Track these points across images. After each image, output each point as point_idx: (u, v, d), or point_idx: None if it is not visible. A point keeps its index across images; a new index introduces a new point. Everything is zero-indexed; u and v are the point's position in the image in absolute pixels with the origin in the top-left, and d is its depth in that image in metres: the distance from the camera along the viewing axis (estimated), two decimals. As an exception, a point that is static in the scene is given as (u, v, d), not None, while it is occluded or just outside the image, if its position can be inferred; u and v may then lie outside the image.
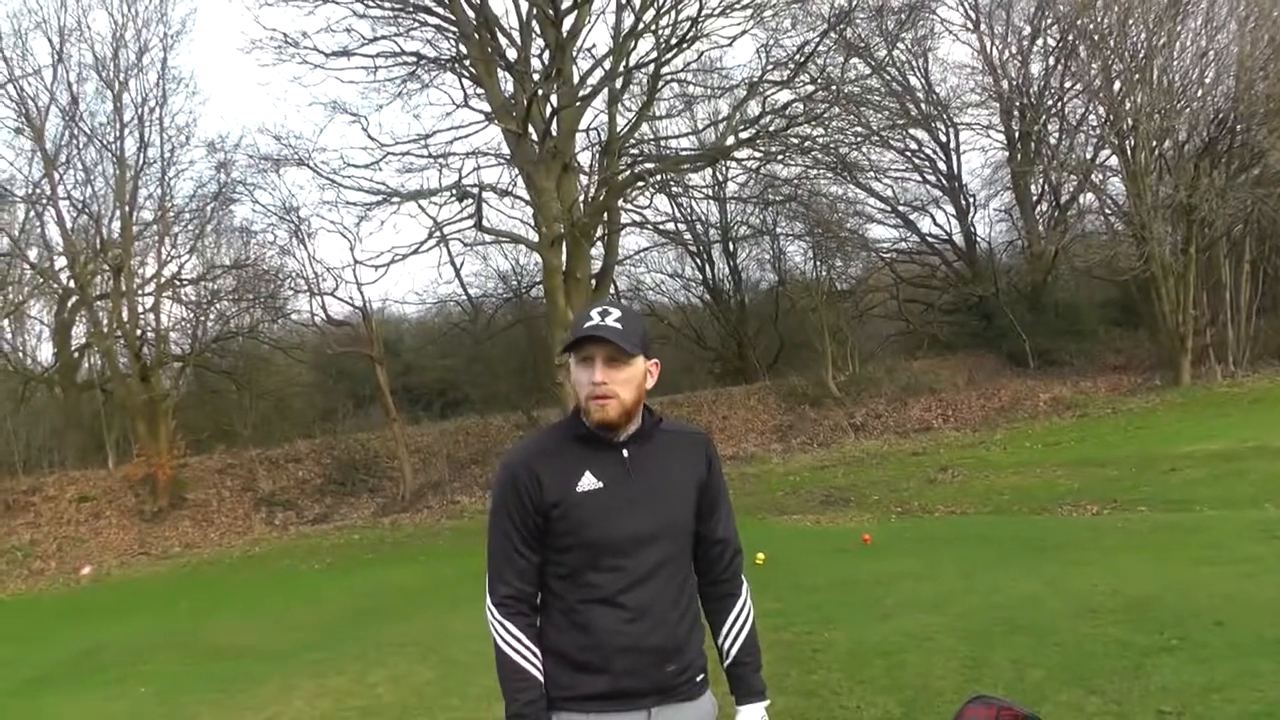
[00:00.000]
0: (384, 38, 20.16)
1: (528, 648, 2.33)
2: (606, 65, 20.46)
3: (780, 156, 23.46)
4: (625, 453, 2.36)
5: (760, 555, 9.79)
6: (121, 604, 15.12)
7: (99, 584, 18.16)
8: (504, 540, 2.36)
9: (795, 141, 21.96)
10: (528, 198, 20.99)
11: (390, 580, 13.32)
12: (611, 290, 23.60)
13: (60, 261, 25.00)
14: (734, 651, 2.50)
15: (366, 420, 27.78)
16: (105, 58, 23.11)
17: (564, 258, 20.09)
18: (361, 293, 29.22)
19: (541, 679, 2.34)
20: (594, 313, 2.34)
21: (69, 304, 25.74)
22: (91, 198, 23.75)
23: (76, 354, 26.70)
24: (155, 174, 24.08)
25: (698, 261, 31.94)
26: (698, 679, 2.42)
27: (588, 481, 2.32)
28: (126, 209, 23.18)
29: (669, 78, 21.94)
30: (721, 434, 24.08)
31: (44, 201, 23.93)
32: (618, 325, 2.30)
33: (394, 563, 15.39)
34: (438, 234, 21.37)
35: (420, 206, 21.12)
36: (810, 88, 21.14)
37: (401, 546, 17.52)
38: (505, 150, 21.14)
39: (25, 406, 27.41)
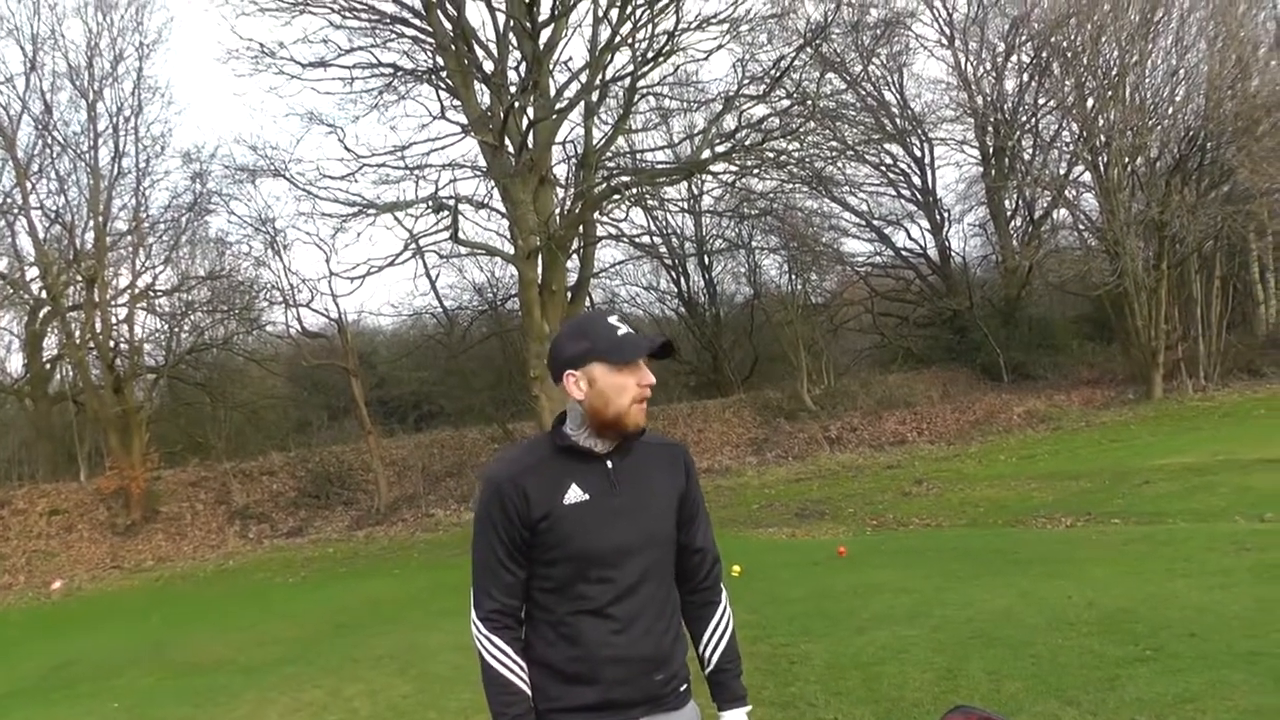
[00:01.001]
0: (361, 49, 20.16)
1: (515, 661, 2.34)
2: (583, 78, 20.49)
3: (756, 170, 23.53)
4: (609, 464, 2.37)
5: (736, 568, 9.80)
6: (93, 618, 14.97)
7: (70, 598, 17.97)
8: (489, 555, 2.35)
9: (771, 155, 22.03)
10: (504, 210, 20.97)
11: (365, 593, 13.23)
12: (587, 303, 23.60)
13: (32, 272, 24.83)
14: (715, 659, 2.51)
15: (341, 433, 27.67)
16: (80, 66, 23.04)
17: (540, 270, 20.08)
18: (337, 304, 29.38)
19: (529, 692, 2.34)
20: (619, 322, 2.38)
21: (40, 315, 25.50)
22: (65, 207, 23.66)
23: (48, 365, 26.44)
24: (130, 184, 24.01)
25: (673, 275, 32.05)
26: (682, 688, 2.44)
27: (574, 494, 2.32)
28: (100, 219, 23.02)
29: (645, 91, 22.02)
30: (697, 447, 24.10)
31: (15, 211, 23.76)
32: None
33: (369, 576, 15.32)
34: (413, 246, 21.30)
35: (396, 218, 21.05)
36: (786, 102, 21.23)
37: (376, 560, 17.44)
38: (482, 162, 21.13)
39: (-6, 418, 27.14)
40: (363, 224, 21.58)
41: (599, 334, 2.35)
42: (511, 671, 2.33)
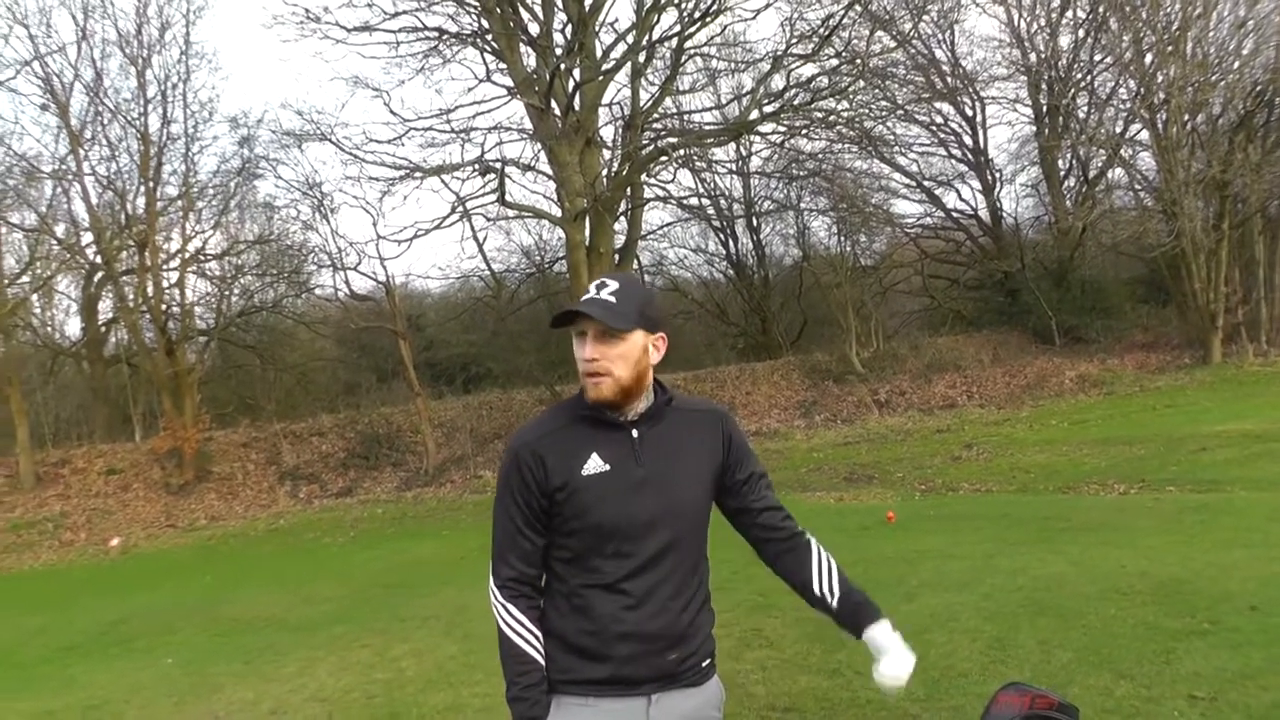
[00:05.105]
0: (405, 12, 20.14)
1: (530, 631, 2.29)
2: (629, 39, 20.33)
3: (804, 130, 23.33)
4: (634, 433, 2.28)
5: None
6: (148, 575, 15.27)
7: (127, 555, 18.36)
8: (508, 522, 2.30)
9: (819, 115, 21.80)
10: (550, 172, 20.94)
11: (413, 554, 13.37)
12: (635, 265, 23.53)
13: (86, 237, 25.22)
14: (837, 589, 2.39)
15: (390, 395, 27.91)
16: (128, 34, 23.28)
17: (587, 233, 20.04)
18: (384, 267, 29.56)
19: (543, 663, 2.29)
20: (592, 286, 2.27)
21: (95, 279, 25.94)
22: (116, 174, 23.94)
23: (103, 328, 26.93)
24: (179, 150, 24.38)
25: (721, 237, 31.91)
26: (703, 665, 2.36)
27: (594, 464, 2.24)
28: (151, 184, 23.30)
29: (692, 52, 21.80)
30: (745, 409, 24.04)
31: (70, 177, 24.12)
32: (610, 299, 2.22)
33: (417, 536, 15.47)
34: (460, 209, 21.37)
35: (443, 181, 21.13)
36: (835, 61, 20.94)
37: (424, 520, 17.59)
38: (528, 125, 21.11)
39: (54, 380, 27.69)
40: (409, 187, 21.75)
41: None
42: (526, 641, 2.28)
